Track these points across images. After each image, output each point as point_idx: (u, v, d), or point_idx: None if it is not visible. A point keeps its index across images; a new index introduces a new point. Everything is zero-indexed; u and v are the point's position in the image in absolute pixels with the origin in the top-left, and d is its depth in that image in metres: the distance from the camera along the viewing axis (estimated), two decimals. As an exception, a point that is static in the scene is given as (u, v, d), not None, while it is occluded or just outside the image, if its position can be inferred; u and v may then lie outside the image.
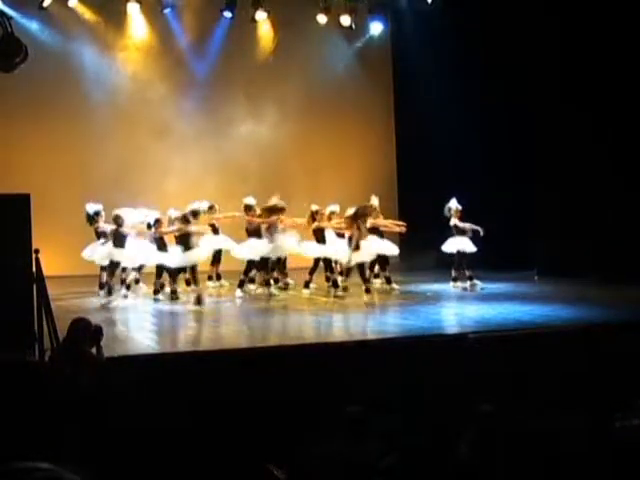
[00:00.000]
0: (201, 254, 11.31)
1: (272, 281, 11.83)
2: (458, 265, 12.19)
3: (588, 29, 12.20)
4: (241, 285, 11.49)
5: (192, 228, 11.88)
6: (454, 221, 12.09)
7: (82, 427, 5.36)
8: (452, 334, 8.46)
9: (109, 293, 10.84)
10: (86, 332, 5.97)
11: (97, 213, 11.68)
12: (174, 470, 5.89)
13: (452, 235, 12.18)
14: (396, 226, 12.41)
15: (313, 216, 11.79)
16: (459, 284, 12.08)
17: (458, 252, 12.12)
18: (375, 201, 12.15)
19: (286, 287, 12.42)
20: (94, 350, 6.04)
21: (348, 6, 15.40)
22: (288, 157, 16.04)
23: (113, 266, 11.09)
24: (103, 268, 11.86)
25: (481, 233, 12.06)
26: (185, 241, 10.89)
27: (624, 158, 12.04)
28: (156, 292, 11.16)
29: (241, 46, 15.45)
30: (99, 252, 11.52)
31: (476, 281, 12.07)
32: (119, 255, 11.11)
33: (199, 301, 10.37)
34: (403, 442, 4.84)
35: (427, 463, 4.69)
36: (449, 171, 14.22)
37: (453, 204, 12.11)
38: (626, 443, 4.64)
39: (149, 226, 11.30)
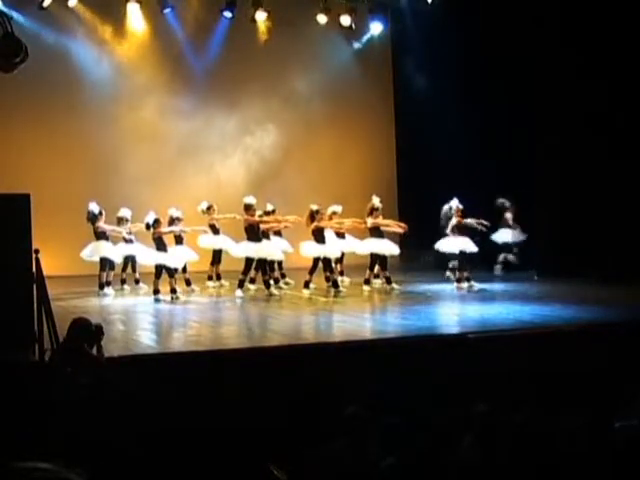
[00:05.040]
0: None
1: (272, 281, 11.85)
2: (461, 266, 12.19)
3: (589, 28, 12.20)
4: (241, 285, 11.50)
5: (187, 229, 12.04)
6: (455, 220, 12.09)
7: (81, 427, 5.35)
8: (452, 334, 8.47)
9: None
10: (86, 332, 5.97)
11: (100, 213, 11.82)
12: (174, 470, 5.89)
13: (454, 235, 12.18)
14: (397, 226, 12.41)
15: (312, 215, 11.78)
16: (463, 284, 12.08)
17: (461, 252, 12.12)
18: (376, 201, 12.16)
19: (286, 285, 12.46)
20: (95, 350, 6.04)
21: (348, 6, 15.39)
22: (287, 156, 16.02)
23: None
24: (103, 268, 11.91)
25: (485, 224, 12.22)
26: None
27: (624, 158, 12.04)
28: (156, 292, 11.17)
29: (241, 46, 15.44)
30: (115, 251, 12.06)
31: (474, 282, 12.08)
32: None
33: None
34: (403, 442, 4.84)
35: (427, 463, 4.68)
36: (449, 171, 14.21)
37: (454, 203, 12.12)
38: (626, 443, 4.64)
39: (148, 226, 11.32)
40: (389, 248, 12.15)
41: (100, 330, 6.09)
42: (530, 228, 13.37)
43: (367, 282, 12.26)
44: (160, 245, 11.26)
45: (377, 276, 12.75)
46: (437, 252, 12.77)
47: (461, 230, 12.13)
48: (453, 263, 12.72)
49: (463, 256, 12.15)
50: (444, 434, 5.10)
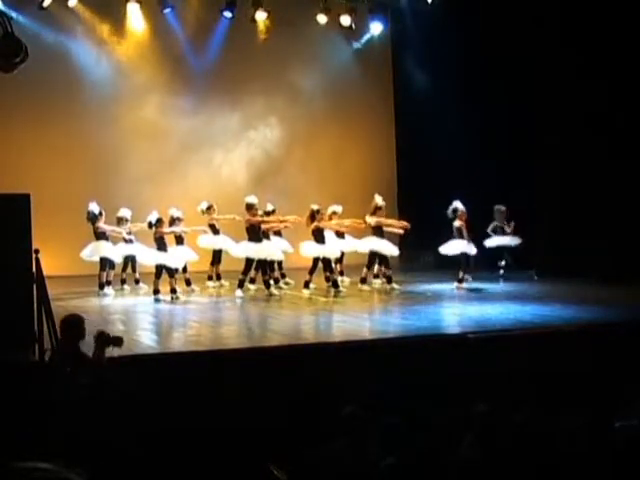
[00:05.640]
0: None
1: (272, 281, 11.85)
2: (465, 267, 12.21)
3: (589, 28, 12.21)
4: (241, 285, 11.49)
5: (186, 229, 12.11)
6: (458, 223, 12.08)
7: (81, 427, 5.35)
8: (452, 334, 8.47)
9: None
10: (75, 328, 5.93)
11: (100, 213, 11.84)
12: (174, 470, 5.89)
13: (453, 237, 12.19)
14: (399, 226, 12.39)
15: (313, 215, 11.78)
16: (463, 285, 12.10)
17: (463, 254, 12.14)
18: (379, 199, 12.16)
19: (286, 285, 12.46)
20: (97, 351, 6.00)
21: (348, 6, 15.39)
22: (287, 157, 16.03)
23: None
24: (103, 268, 11.91)
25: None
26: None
27: (624, 158, 12.04)
28: (156, 292, 11.17)
29: (241, 46, 15.44)
30: (115, 251, 12.04)
31: (466, 284, 12.16)
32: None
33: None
34: (403, 442, 4.84)
35: (427, 463, 4.68)
36: (449, 171, 14.21)
37: (459, 205, 12.11)
38: (626, 443, 4.64)
39: (150, 225, 11.32)
40: (389, 248, 12.15)
41: (119, 341, 5.94)
42: (530, 228, 13.38)
43: (364, 281, 12.23)
44: (161, 245, 11.26)
45: (377, 276, 12.76)
46: (437, 252, 12.77)
47: (462, 232, 12.14)
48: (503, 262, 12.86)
49: (466, 258, 12.18)
50: (444, 434, 5.10)
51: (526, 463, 4.66)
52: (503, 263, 13.37)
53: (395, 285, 11.99)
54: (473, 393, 5.88)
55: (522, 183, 13.33)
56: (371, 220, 12.03)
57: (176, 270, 11.39)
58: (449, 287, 12.19)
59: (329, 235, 12.20)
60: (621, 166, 12.03)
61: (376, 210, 12.07)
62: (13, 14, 11.57)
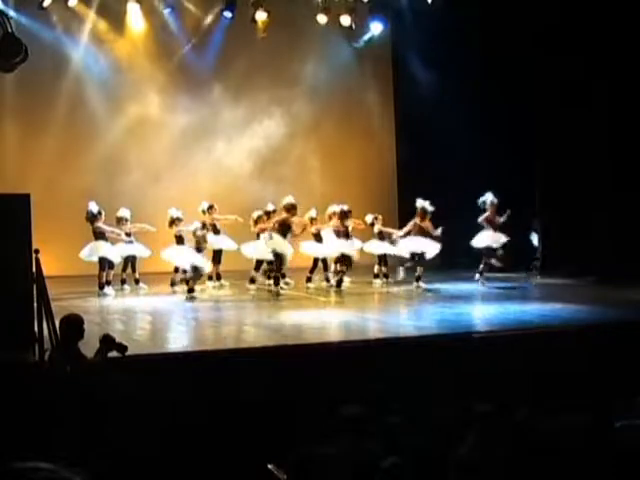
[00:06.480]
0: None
1: (272, 280, 11.90)
2: (487, 260, 12.27)
3: (589, 28, 12.21)
4: (252, 281, 11.72)
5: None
6: (488, 215, 12.12)
7: (82, 427, 5.35)
8: (453, 334, 8.46)
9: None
10: (79, 328, 5.93)
11: (100, 212, 11.83)
12: (174, 470, 5.89)
13: (483, 229, 12.25)
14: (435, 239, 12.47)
15: (345, 214, 12.00)
16: (483, 280, 12.21)
17: (487, 248, 12.20)
18: (427, 205, 12.19)
19: (286, 285, 12.47)
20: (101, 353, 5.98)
21: (348, 6, 15.38)
22: (287, 157, 16.02)
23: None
24: (102, 268, 11.90)
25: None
26: None
27: (624, 158, 12.04)
28: (190, 290, 11.31)
29: (241, 46, 15.43)
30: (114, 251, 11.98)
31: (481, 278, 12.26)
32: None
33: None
34: (404, 442, 4.83)
35: (428, 463, 4.68)
36: (449, 170, 14.21)
37: (489, 198, 12.16)
38: (626, 443, 4.64)
39: (194, 233, 11.50)
40: (432, 247, 12.17)
41: (124, 349, 5.96)
42: (530, 228, 13.39)
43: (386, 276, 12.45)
44: (200, 247, 11.37)
45: (377, 276, 12.78)
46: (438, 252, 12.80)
47: (492, 224, 12.16)
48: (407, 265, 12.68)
49: (490, 251, 12.20)
50: (444, 434, 5.10)
51: (526, 463, 4.66)
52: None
53: (388, 288, 12.06)
54: (474, 393, 5.88)
55: (522, 183, 13.32)
56: (425, 225, 12.09)
57: (184, 271, 11.52)
58: (450, 287, 12.20)
59: (328, 236, 12.25)
60: (621, 166, 12.03)
61: (425, 215, 12.13)
62: (13, 14, 11.58)
